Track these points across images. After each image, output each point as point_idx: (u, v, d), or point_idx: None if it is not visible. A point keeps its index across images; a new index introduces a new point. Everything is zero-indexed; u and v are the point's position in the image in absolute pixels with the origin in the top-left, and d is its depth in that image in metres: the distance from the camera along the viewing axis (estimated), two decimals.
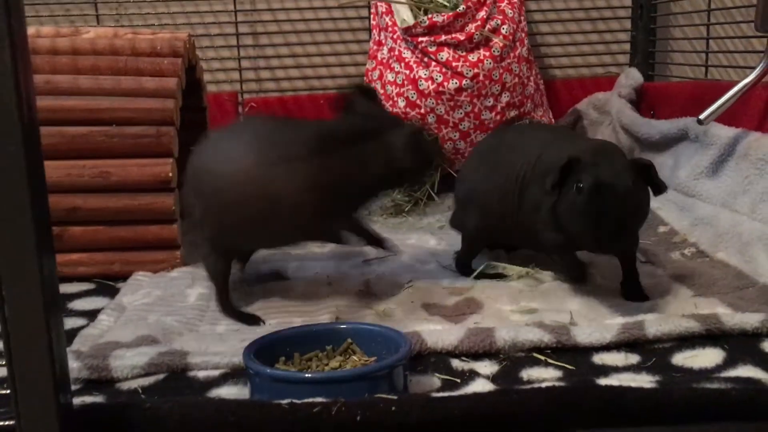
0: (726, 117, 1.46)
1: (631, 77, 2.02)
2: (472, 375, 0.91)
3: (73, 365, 0.93)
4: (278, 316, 1.16)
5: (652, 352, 0.95)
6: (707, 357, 0.93)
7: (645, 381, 0.80)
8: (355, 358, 0.91)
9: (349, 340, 0.93)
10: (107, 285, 1.37)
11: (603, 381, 0.80)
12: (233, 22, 2.13)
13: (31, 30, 1.54)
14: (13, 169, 0.62)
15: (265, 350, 0.88)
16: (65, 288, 1.33)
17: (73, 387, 0.91)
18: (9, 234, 0.64)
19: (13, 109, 0.60)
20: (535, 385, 0.75)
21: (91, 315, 1.19)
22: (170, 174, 1.39)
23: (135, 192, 1.39)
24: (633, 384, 0.74)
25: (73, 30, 1.58)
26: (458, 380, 0.90)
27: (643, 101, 2.00)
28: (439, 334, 0.99)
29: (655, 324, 0.99)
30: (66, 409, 0.67)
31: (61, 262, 1.33)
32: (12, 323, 0.65)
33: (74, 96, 1.42)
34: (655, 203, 1.57)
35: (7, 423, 0.69)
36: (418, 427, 0.68)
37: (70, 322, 1.15)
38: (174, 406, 0.64)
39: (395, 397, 0.71)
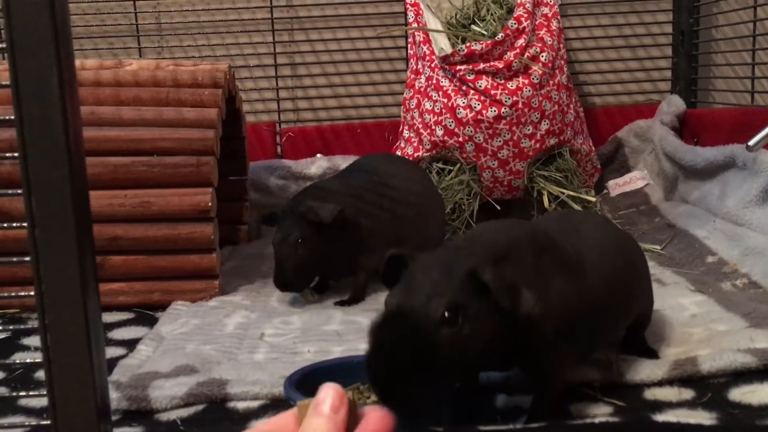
0: None
1: (673, 104, 1.99)
2: (517, 411, 0.88)
3: (113, 396, 0.92)
4: (317, 344, 1.14)
5: (706, 387, 0.91)
6: (766, 393, 0.88)
7: (703, 418, 0.77)
8: None
9: None
10: (146, 314, 1.36)
11: (658, 417, 0.76)
12: (272, 53, 2.16)
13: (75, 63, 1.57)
14: (58, 197, 0.62)
15: (305, 381, 0.86)
16: (105, 317, 1.33)
17: (113, 418, 0.90)
18: (53, 262, 0.63)
19: (60, 135, 0.60)
20: (588, 420, 0.72)
21: (131, 344, 1.18)
22: (209, 203, 1.39)
23: (175, 221, 1.39)
24: (692, 421, 0.70)
25: (116, 62, 1.61)
26: (499, 417, 0.87)
27: (685, 128, 1.96)
28: None
29: (709, 360, 0.94)
30: None
31: (101, 292, 1.33)
32: (54, 352, 0.64)
33: (117, 127, 1.44)
34: (703, 232, 1.53)
35: None
36: None
37: (109, 352, 1.15)
38: None
39: (440, 429, 0.68)
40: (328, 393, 0.51)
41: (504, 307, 0.70)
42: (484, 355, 0.73)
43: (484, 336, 0.70)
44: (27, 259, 0.61)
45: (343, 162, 2.03)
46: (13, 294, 0.65)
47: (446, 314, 0.67)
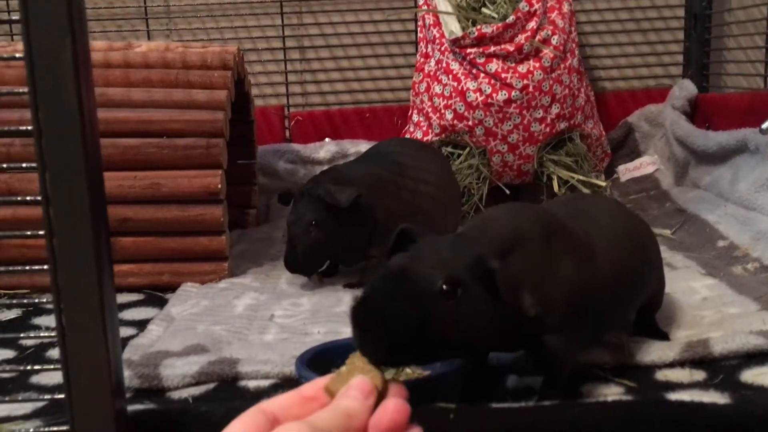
0: None
1: (685, 89, 1.97)
2: (528, 392, 0.88)
3: (124, 374, 0.92)
4: (327, 325, 1.14)
5: (718, 368, 0.91)
6: None
7: (715, 398, 0.76)
8: (408, 370, 0.89)
9: None
10: (156, 296, 1.37)
11: (670, 397, 0.76)
12: (280, 36, 2.15)
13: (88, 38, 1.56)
14: (73, 172, 0.62)
15: (316, 360, 0.86)
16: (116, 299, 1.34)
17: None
18: (67, 240, 0.63)
19: (74, 110, 0.60)
20: (600, 399, 0.72)
21: (141, 325, 1.19)
22: (219, 185, 1.39)
23: (184, 203, 1.39)
24: (705, 400, 0.70)
25: (126, 44, 1.60)
26: (510, 397, 0.87)
27: (697, 113, 1.95)
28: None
29: (721, 342, 0.94)
30: (121, 415, 0.66)
31: None
32: (69, 330, 0.65)
33: (126, 108, 1.44)
34: (714, 217, 1.53)
35: (61, 429, 0.69)
36: None
37: (120, 332, 1.15)
38: (229, 410, 0.63)
39: (453, 405, 0.68)
40: (361, 380, 0.56)
41: (505, 299, 0.69)
42: (481, 338, 0.73)
43: (480, 320, 0.70)
44: (41, 232, 0.61)
45: (351, 146, 2.03)
46: (26, 268, 0.65)
47: (445, 287, 0.67)
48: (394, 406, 0.54)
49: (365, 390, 0.55)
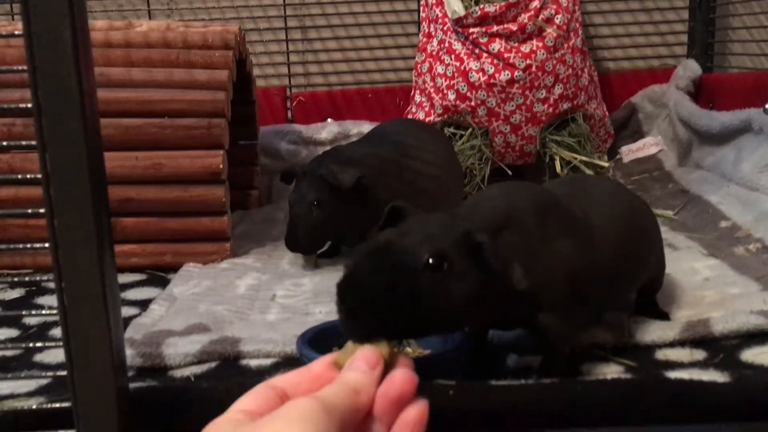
0: None
1: (689, 69, 1.96)
2: (528, 372, 0.88)
3: (127, 353, 0.93)
4: (328, 305, 1.15)
5: (719, 348, 0.91)
6: None
7: (716, 377, 0.77)
8: (409, 350, 0.89)
9: None
10: (158, 276, 1.37)
11: (670, 376, 0.76)
12: (282, 16, 2.14)
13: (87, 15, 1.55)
14: (73, 150, 0.62)
15: (317, 340, 0.87)
16: (117, 278, 1.34)
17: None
18: (69, 218, 0.63)
19: (74, 87, 0.59)
20: (600, 377, 0.72)
21: (143, 304, 1.19)
22: (221, 166, 1.39)
23: (186, 183, 1.39)
24: (705, 378, 0.70)
25: (127, 23, 1.60)
26: (510, 376, 0.87)
27: (701, 93, 1.94)
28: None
29: (721, 321, 0.94)
30: (123, 393, 0.67)
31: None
32: (70, 309, 0.65)
33: (128, 88, 1.43)
34: (716, 197, 1.52)
35: (63, 405, 0.69)
36: (477, 414, 0.66)
37: (122, 311, 1.16)
38: (230, 388, 0.63)
39: (453, 382, 0.69)
40: (366, 351, 0.56)
41: (494, 271, 0.68)
42: (470, 314, 0.71)
43: (468, 295, 0.68)
44: (42, 211, 0.61)
45: (353, 127, 2.02)
46: (28, 246, 0.65)
47: (431, 260, 0.66)
48: (402, 376, 0.53)
49: (371, 361, 0.54)
